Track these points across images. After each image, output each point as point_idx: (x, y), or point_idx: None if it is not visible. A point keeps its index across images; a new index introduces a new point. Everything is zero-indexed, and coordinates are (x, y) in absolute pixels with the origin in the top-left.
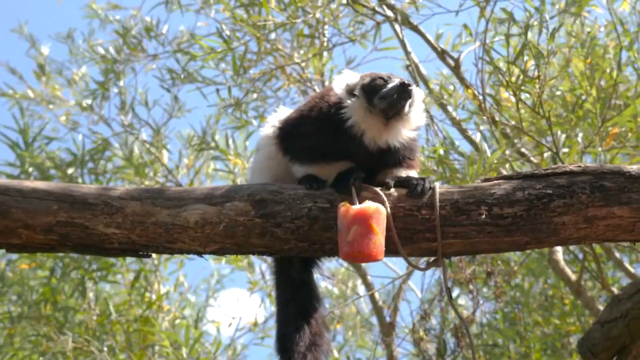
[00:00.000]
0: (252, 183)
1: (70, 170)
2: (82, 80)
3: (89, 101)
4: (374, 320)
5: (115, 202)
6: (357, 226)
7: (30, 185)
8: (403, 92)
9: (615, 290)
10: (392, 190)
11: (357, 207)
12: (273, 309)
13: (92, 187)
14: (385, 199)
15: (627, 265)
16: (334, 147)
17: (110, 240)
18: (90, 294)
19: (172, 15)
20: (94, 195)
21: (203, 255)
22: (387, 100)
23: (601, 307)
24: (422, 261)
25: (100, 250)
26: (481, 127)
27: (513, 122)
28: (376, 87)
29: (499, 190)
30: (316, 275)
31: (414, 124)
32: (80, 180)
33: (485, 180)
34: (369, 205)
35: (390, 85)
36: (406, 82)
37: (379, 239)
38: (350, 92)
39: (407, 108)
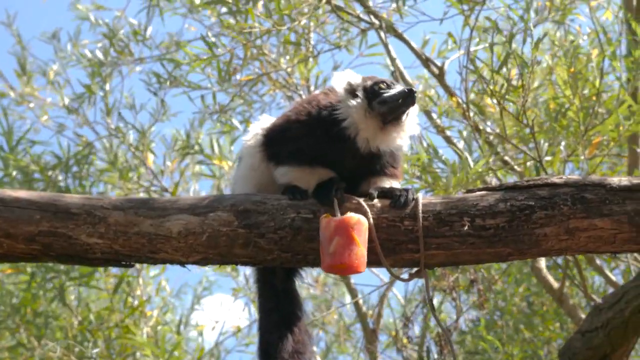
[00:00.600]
0: (235, 193)
1: (54, 174)
2: (67, 83)
3: (75, 104)
4: (356, 326)
5: (98, 212)
6: (339, 237)
7: (12, 195)
8: (408, 98)
9: (596, 298)
10: (376, 200)
11: (338, 218)
12: (257, 315)
13: (75, 196)
14: (367, 210)
15: (607, 272)
16: (321, 151)
17: (93, 250)
18: (72, 297)
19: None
20: (77, 205)
21: (186, 266)
22: (388, 104)
23: (583, 315)
24: (405, 271)
25: (83, 260)
26: (465, 135)
27: (497, 130)
28: (378, 90)
29: (481, 201)
30: (298, 283)
31: (407, 132)
32: (64, 184)
33: (468, 191)
34: (350, 216)
35: (394, 91)
36: (413, 89)
37: (361, 250)
38: (351, 91)
39: (405, 115)
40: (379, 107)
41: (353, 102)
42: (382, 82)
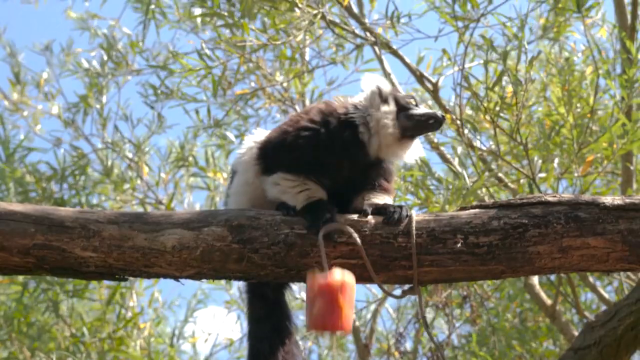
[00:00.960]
0: (229, 208)
1: (49, 186)
2: (59, 93)
3: (70, 115)
4: (349, 339)
5: (93, 226)
6: (322, 300)
7: (7, 208)
8: (436, 123)
9: (589, 315)
10: (370, 217)
11: (322, 280)
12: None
13: (70, 210)
14: (358, 241)
15: (600, 289)
16: (319, 158)
17: (87, 263)
18: (64, 308)
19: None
20: (71, 219)
21: (179, 280)
22: (416, 120)
23: (575, 332)
24: (397, 287)
25: (77, 274)
26: (459, 152)
27: (492, 144)
28: (408, 105)
29: (475, 219)
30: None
31: (415, 152)
32: (59, 195)
33: (462, 208)
34: (335, 278)
35: (425, 110)
36: (444, 115)
37: (346, 312)
38: (383, 96)
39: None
40: (405, 120)
41: (385, 107)
42: (413, 97)
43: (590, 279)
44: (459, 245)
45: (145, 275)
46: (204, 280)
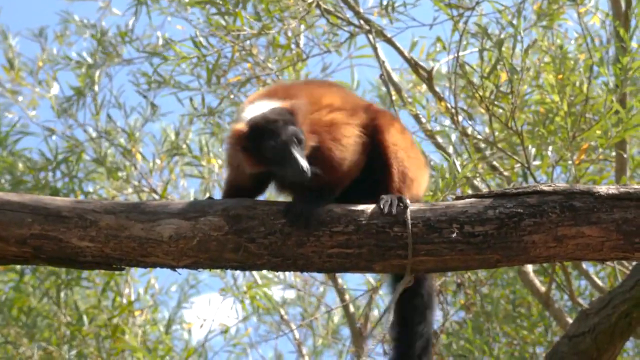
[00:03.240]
0: (226, 198)
1: (42, 174)
2: (54, 80)
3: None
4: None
5: (90, 216)
6: None
7: (4, 198)
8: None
9: (582, 302)
10: (366, 207)
11: None
12: (244, 314)
13: (67, 200)
14: None
15: (593, 277)
16: None
17: (83, 253)
18: (61, 295)
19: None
20: (68, 208)
21: (176, 270)
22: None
23: (569, 319)
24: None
25: (73, 263)
26: (453, 140)
27: (487, 130)
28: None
29: (470, 208)
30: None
31: None
32: (53, 183)
33: (457, 198)
34: None
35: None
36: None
37: None
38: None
39: None
40: None
41: None
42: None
43: (584, 266)
44: (454, 234)
45: (142, 265)
46: (200, 269)
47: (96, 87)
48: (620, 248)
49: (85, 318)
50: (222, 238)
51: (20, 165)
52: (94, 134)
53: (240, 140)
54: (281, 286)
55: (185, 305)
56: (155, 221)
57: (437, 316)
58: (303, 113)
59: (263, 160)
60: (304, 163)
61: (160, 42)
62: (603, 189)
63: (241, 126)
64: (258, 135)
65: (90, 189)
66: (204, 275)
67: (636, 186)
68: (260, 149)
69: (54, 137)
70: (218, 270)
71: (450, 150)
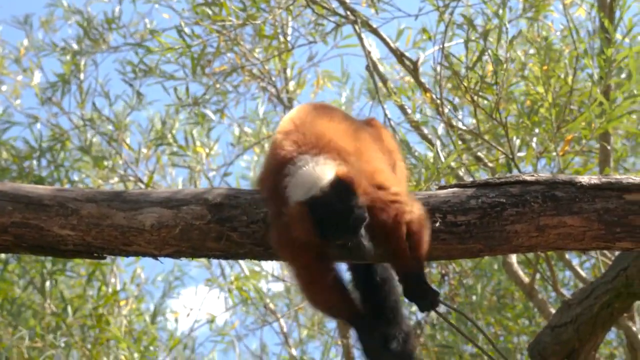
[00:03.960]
0: (208, 187)
1: (27, 163)
2: (38, 67)
3: (49, 92)
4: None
5: (71, 204)
6: None
7: None
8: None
9: (565, 293)
10: None
11: None
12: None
13: (48, 188)
14: None
15: (577, 267)
16: None
17: (65, 241)
18: (47, 283)
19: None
20: (49, 197)
21: (158, 258)
22: None
23: (552, 309)
24: None
25: (55, 252)
26: (439, 132)
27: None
28: None
29: (453, 198)
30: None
31: None
32: (37, 172)
33: (440, 187)
34: None
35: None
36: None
37: None
38: None
39: None
40: None
41: None
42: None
43: (567, 256)
44: (437, 224)
45: (124, 253)
46: (183, 258)
47: (82, 75)
48: (602, 238)
49: (69, 308)
50: (205, 227)
51: (5, 154)
52: (79, 123)
53: (302, 216)
54: (270, 279)
55: (172, 295)
56: (137, 210)
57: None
58: (358, 182)
59: (324, 237)
60: (369, 246)
61: (148, 28)
62: (585, 179)
63: (301, 202)
64: (322, 216)
65: (76, 178)
66: (191, 267)
67: (618, 176)
68: (324, 228)
69: (38, 126)
70: (204, 261)
71: (437, 142)
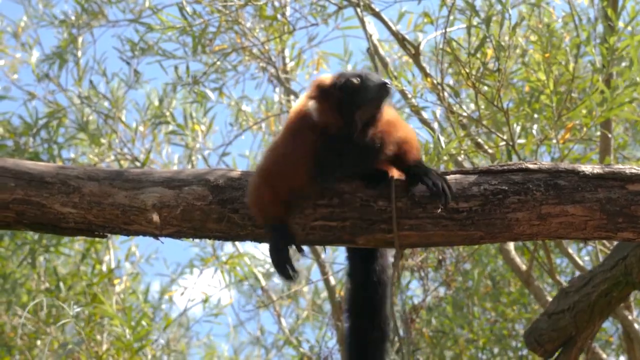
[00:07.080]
0: (212, 168)
1: (23, 139)
2: (37, 42)
3: (46, 67)
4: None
5: (73, 182)
6: None
7: None
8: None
9: (562, 281)
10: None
11: None
12: (224, 284)
13: (50, 165)
14: None
15: (574, 256)
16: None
17: (66, 219)
18: (40, 259)
19: None
20: (51, 174)
21: (159, 238)
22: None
23: (549, 297)
24: None
25: (56, 229)
26: (439, 117)
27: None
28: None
29: (455, 184)
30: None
31: None
32: (33, 149)
33: (443, 174)
34: None
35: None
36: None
37: None
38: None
39: None
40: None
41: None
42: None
43: (564, 243)
44: (439, 210)
45: (125, 232)
46: (183, 238)
47: (79, 53)
48: (604, 227)
49: (62, 285)
50: (206, 208)
51: (1, 129)
52: (76, 100)
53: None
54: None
55: (164, 273)
56: (139, 189)
57: (418, 291)
58: None
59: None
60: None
61: (147, 4)
62: (588, 168)
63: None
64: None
65: (72, 155)
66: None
67: (621, 166)
68: (355, 94)
69: (33, 103)
70: (198, 240)
71: (436, 126)
